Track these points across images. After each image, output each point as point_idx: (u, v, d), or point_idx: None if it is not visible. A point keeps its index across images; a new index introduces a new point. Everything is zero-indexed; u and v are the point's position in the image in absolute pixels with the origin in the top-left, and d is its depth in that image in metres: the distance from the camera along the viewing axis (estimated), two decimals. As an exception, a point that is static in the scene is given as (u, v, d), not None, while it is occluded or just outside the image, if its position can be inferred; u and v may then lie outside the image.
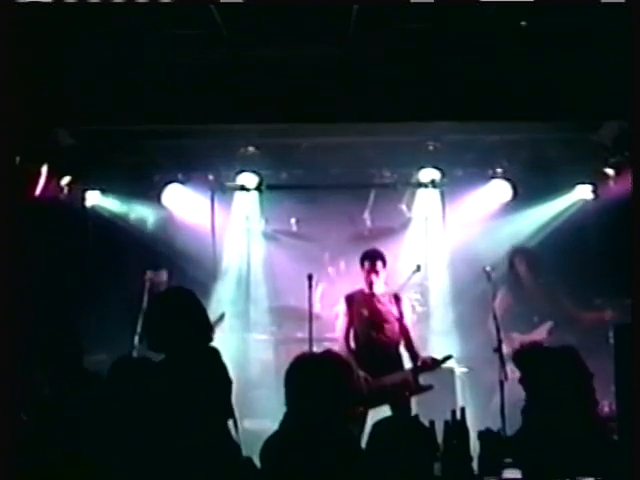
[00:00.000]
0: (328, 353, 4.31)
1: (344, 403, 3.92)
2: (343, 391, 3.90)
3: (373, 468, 3.69)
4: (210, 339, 4.95)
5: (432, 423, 3.93)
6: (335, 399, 3.85)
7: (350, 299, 7.57)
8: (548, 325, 8.47)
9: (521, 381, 4.76)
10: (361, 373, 6.89)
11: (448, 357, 7.46)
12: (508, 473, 3.96)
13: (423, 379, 7.31)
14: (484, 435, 4.34)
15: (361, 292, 7.57)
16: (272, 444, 3.86)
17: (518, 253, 8.90)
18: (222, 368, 4.82)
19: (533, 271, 8.82)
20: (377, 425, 3.88)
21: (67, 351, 5.27)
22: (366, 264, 7.49)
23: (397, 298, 7.60)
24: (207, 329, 4.98)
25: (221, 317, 8.69)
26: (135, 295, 8.39)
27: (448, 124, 7.96)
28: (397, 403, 7.15)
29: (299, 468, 3.68)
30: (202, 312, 4.99)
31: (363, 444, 3.93)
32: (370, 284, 7.47)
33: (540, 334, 8.40)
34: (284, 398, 3.92)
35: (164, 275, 8.71)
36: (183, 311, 4.87)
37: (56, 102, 6.95)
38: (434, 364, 7.36)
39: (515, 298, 8.68)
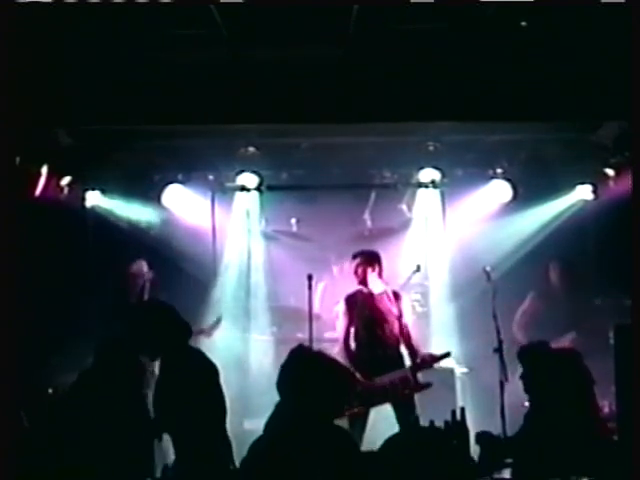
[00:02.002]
0: (323, 354, 4.33)
1: (340, 401, 3.93)
2: (339, 389, 3.91)
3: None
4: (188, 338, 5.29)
5: (432, 423, 3.94)
6: (331, 396, 3.86)
7: (350, 299, 7.57)
8: (571, 336, 8.39)
9: (522, 377, 4.76)
10: (357, 374, 6.93)
11: (447, 354, 7.48)
12: (507, 473, 3.96)
13: (424, 377, 7.32)
14: (482, 437, 4.35)
15: (360, 292, 7.57)
16: (263, 442, 3.86)
17: (554, 260, 8.92)
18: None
19: (566, 280, 8.82)
20: (389, 442, 3.87)
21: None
22: (352, 265, 7.56)
23: (397, 296, 7.61)
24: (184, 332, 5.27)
25: (217, 321, 8.69)
26: (135, 295, 8.41)
27: (448, 124, 7.96)
28: (398, 402, 7.17)
29: (292, 465, 3.68)
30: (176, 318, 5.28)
31: (365, 444, 3.94)
32: (364, 283, 7.50)
33: (563, 344, 8.34)
34: (278, 392, 3.92)
35: (144, 265, 8.72)
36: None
37: (56, 102, 6.94)
38: (433, 361, 7.38)
39: (544, 305, 8.69)
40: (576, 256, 9.06)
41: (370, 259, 7.57)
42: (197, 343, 8.76)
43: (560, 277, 8.85)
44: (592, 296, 8.77)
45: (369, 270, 7.52)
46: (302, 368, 3.93)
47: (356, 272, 7.55)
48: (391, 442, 3.88)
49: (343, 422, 4.11)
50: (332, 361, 4.09)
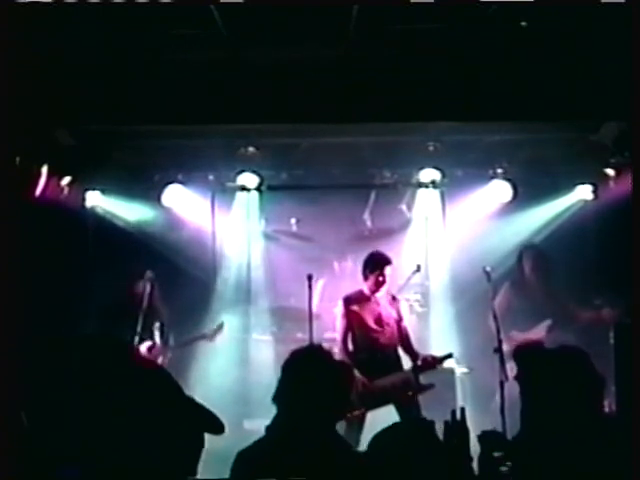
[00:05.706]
0: (328, 353, 4.30)
1: (342, 404, 3.92)
2: (342, 392, 3.90)
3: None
4: None
5: (432, 423, 3.93)
6: (333, 399, 3.84)
7: (348, 301, 7.53)
8: (547, 323, 8.50)
9: (517, 378, 4.74)
10: (358, 375, 6.90)
11: (449, 355, 7.46)
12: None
13: (424, 378, 7.31)
14: (486, 436, 4.33)
15: (360, 293, 7.54)
16: (263, 445, 3.85)
17: (527, 250, 8.94)
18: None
19: (538, 269, 8.84)
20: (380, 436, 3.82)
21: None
22: (377, 269, 7.45)
23: (394, 299, 7.61)
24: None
25: (220, 327, 8.69)
26: (135, 295, 8.40)
27: (448, 124, 7.96)
28: (401, 404, 7.15)
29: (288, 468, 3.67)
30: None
31: (362, 446, 3.92)
32: (379, 289, 7.44)
33: (539, 332, 8.42)
34: (276, 391, 3.91)
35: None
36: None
37: (56, 102, 6.94)
38: (435, 362, 7.36)
39: (517, 294, 8.70)
40: (576, 256, 9.07)
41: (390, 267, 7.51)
42: (199, 347, 8.85)
43: (533, 266, 8.86)
44: (564, 284, 8.78)
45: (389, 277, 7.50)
46: (308, 368, 3.91)
47: (385, 278, 7.43)
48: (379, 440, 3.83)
49: (340, 424, 4.09)
50: (338, 362, 4.08)
